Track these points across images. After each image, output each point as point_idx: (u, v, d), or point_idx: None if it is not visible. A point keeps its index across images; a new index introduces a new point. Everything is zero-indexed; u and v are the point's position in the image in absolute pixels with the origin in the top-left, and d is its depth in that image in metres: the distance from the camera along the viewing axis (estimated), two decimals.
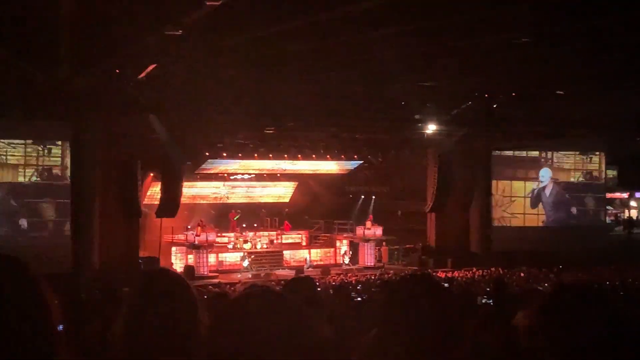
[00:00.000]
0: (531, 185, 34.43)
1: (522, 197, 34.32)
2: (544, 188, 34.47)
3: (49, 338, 2.05)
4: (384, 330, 2.53)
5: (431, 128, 30.66)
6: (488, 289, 16.90)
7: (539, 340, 1.87)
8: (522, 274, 25.75)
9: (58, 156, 26.18)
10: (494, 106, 30.04)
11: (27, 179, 25.86)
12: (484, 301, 11.80)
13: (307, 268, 32.32)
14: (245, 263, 31.80)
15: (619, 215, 48.74)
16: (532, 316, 1.91)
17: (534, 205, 34.41)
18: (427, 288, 2.58)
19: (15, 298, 2.04)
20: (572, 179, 34.93)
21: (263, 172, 35.87)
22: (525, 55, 21.92)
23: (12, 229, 25.43)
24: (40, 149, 25.92)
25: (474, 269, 28.93)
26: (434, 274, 28.91)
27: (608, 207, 36.67)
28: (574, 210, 34.62)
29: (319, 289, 21.64)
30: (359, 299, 13.33)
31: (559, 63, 23.14)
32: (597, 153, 35.14)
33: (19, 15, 17.48)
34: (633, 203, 48.56)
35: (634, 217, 47.16)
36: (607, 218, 36.55)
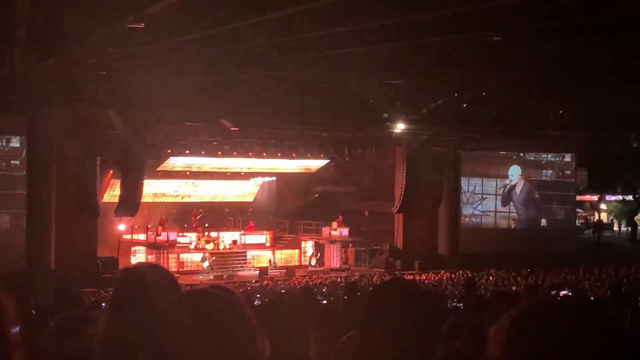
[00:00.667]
0: (503, 182, 34.73)
1: (493, 195, 34.57)
2: (514, 186, 34.77)
3: (3, 340, 2.04)
4: (364, 334, 2.56)
5: (400, 127, 30.70)
6: (456, 292, 16.97)
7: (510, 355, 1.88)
8: (490, 277, 25.90)
9: (17, 147, 25.76)
10: (464, 105, 30.19)
11: None
12: (454, 305, 11.81)
13: (271, 269, 32.21)
14: (206, 264, 31.57)
15: (588, 218, 49.35)
16: (504, 332, 1.92)
17: (504, 203, 34.67)
18: (409, 292, 2.64)
19: None
20: (544, 177, 35.26)
21: (227, 170, 35.69)
22: (495, 54, 22.03)
23: None
24: None
25: (442, 272, 29.04)
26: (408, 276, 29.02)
27: (578, 210, 37.09)
28: (544, 222, 34.96)
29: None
30: (324, 302, 13.27)
31: (530, 63, 23.29)
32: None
33: None
34: (603, 206, 49.20)
35: (604, 221, 47.79)
36: (577, 221, 36.99)
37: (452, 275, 27.54)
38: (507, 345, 1.89)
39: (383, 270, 31.48)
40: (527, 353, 1.87)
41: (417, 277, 27.69)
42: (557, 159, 35.64)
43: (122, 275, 2.62)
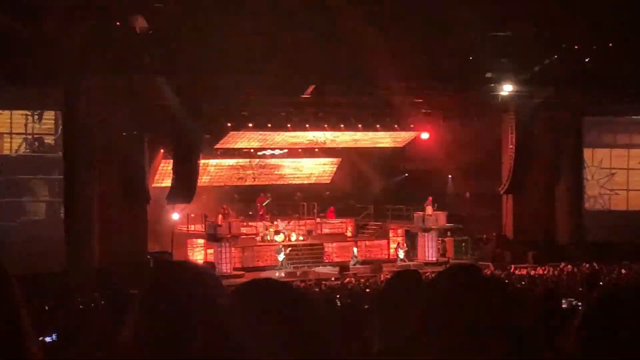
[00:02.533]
0: (638, 153, 33.72)
1: (624, 170, 33.73)
2: None
3: (17, 353, 2.08)
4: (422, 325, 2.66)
5: (507, 89, 30.39)
6: (580, 289, 16.71)
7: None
8: (623, 271, 25.38)
9: (51, 123, 26.21)
10: (587, 61, 29.56)
11: (13, 151, 26.05)
12: (573, 303, 11.61)
13: (354, 264, 32.21)
14: (281, 256, 31.72)
15: None
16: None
17: None
18: (469, 282, 2.70)
19: None
20: None
21: (298, 146, 35.88)
22: None
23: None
24: (29, 114, 26.02)
25: (562, 265, 28.60)
26: (511, 269, 28.65)
27: None
28: None
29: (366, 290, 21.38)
30: None
31: None
32: None
33: None
34: None
35: None
36: None
37: (575, 269, 27.09)
38: (580, 331, 2.22)
39: (489, 263, 31.16)
40: (596, 339, 2.20)
41: (532, 272, 27.37)
42: None
43: (153, 274, 2.67)
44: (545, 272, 27.32)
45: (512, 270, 28.84)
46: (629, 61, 29.38)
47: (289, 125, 32.04)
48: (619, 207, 33.69)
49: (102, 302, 19.52)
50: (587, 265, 27.78)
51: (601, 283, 18.43)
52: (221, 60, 25.28)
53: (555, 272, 26.84)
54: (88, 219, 25.83)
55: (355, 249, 33.69)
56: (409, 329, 3.01)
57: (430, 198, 34.29)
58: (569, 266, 28.10)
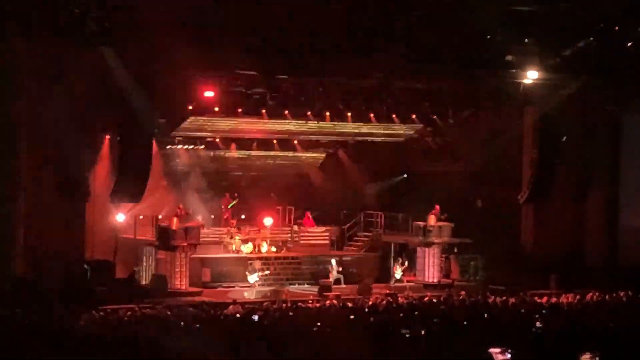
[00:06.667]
0: None
1: None
2: None
3: None
4: None
5: (530, 76, 30.37)
6: (610, 324, 16.76)
7: None
8: None
9: None
10: (628, 45, 29.65)
11: None
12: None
13: (337, 284, 32.17)
14: (253, 278, 31.32)
15: None
16: None
17: None
18: None
19: None
20: None
21: (273, 137, 35.97)
22: None
23: None
24: None
25: (592, 292, 28.59)
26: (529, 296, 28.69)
27: None
28: None
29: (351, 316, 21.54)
30: (408, 335, 13.24)
31: None
32: None
33: None
34: None
35: None
36: None
37: (607, 297, 27.11)
38: None
39: (503, 287, 31.19)
40: None
41: (554, 300, 27.38)
42: None
43: None
44: (568, 299, 27.27)
45: (528, 296, 28.72)
46: None
47: (263, 111, 32.02)
48: None
49: (25, 320, 19.42)
50: (622, 293, 27.80)
51: None
52: (181, 30, 25.21)
53: (581, 300, 26.74)
54: (11, 216, 25.70)
55: (333, 261, 33.58)
56: None
57: (438, 207, 34.23)
58: (600, 294, 27.98)
